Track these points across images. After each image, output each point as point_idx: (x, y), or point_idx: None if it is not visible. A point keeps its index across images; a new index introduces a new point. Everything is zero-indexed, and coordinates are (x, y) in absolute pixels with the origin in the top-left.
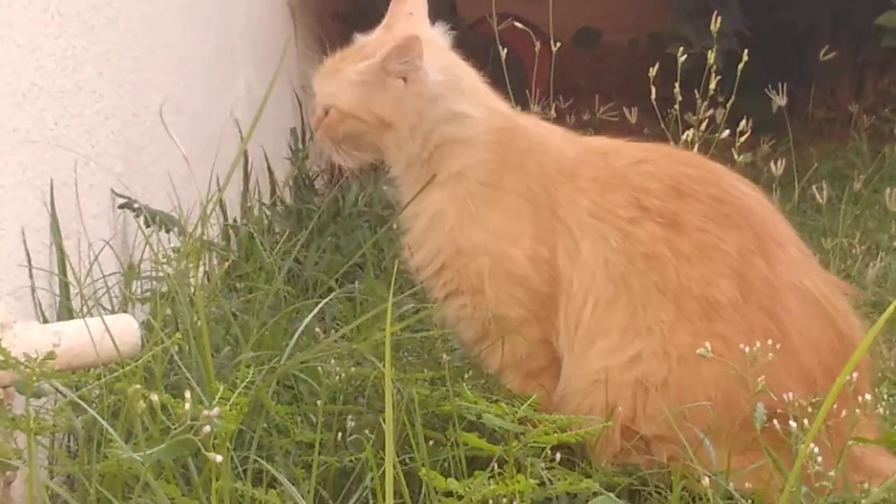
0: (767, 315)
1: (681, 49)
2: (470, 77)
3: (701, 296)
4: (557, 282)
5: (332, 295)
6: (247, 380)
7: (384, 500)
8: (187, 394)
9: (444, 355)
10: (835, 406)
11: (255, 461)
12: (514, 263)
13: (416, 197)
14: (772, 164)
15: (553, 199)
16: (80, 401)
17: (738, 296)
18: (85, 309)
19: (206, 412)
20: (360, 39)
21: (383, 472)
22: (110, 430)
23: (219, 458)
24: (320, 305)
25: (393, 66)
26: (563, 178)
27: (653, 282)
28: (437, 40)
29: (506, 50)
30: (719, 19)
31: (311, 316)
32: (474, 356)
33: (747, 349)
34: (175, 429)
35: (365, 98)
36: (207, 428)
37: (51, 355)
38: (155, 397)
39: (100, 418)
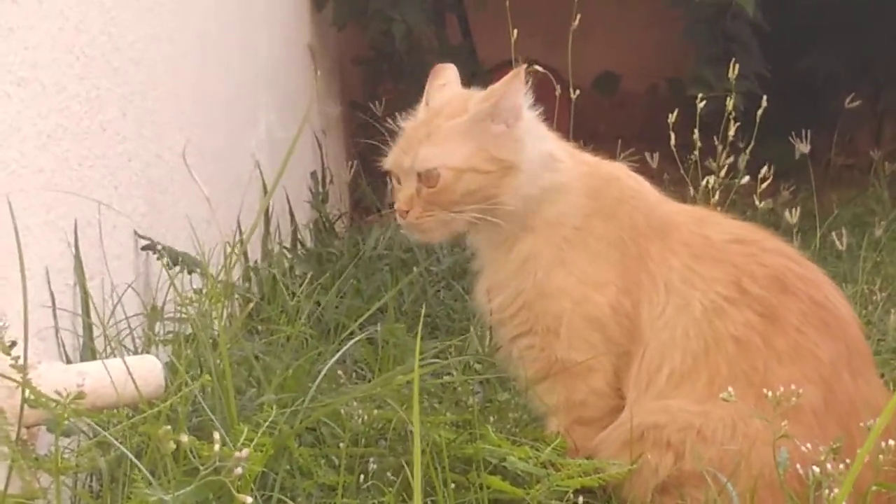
0: (843, 429)
1: (699, 96)
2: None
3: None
4: (635, 337)
5: (355, 340)
6: (269, 420)
7: None
8: (216, 435)
9: (470, 398)
10: (857, 451)
11: (280, 502)
12: (596, 308)
13: (506, 249)
14: (788, 211)
15: (643, 252)
16: (111, 439)
17: (821, 405)
18: (108, 350)
19: (236, 454)
20: (412, 117)
21: None
22: (143, 469)
23: (248, 499)
24: (343, 350)
25: (506, 105)
26: (654, 234)
27: (742, 370)
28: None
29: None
30: (737, 67)
31: (333, 360)
32: (528, 398)
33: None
34: (202, 470)
35: (481, 146)
36: (239, 470)
37: (80, 395)
38: (184, 439)
39: (131, 456)
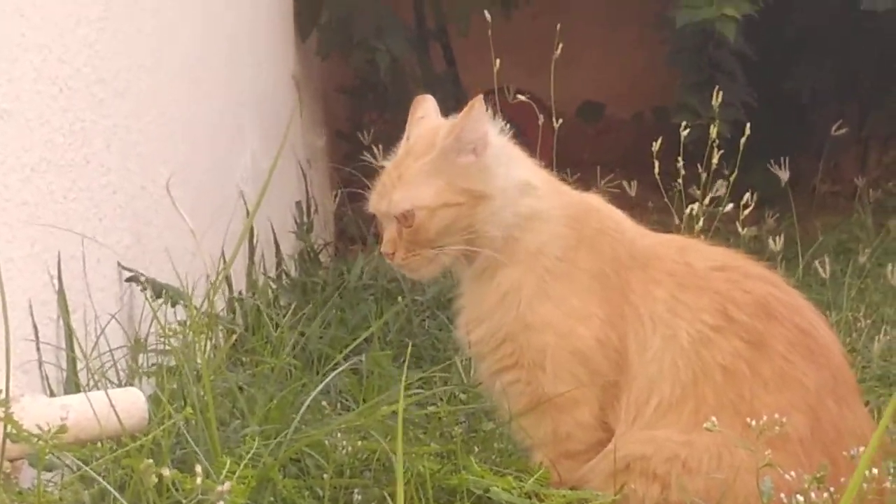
0: (828, 457)
1: (683, 124)
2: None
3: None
4: (623, 369)
5: (339, 370)
6: (251, 452)
7: None
8: (198, 468)
9: (455, 428)
10: (842, 480)
11: None
12: (581, 342)
13: (487, 278)
14: (772, 239)
15: (624, 284)
16: (93, 474)
17: (807, 433)
18: (91, 382)
19: (218, 488)
20: (391, 160)
21: None
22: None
23: None
24: (327, 381)
25: (470, 136)
26: (636, 265)
27: (729, 399)
28: None
29: (508, 123)
30: (721, 95)
31: (317, 390)
32: (512, 431)
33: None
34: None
35: (448, 180)
36: None
37: (63, 429)
38: (167, 472)
39: (114, 491)
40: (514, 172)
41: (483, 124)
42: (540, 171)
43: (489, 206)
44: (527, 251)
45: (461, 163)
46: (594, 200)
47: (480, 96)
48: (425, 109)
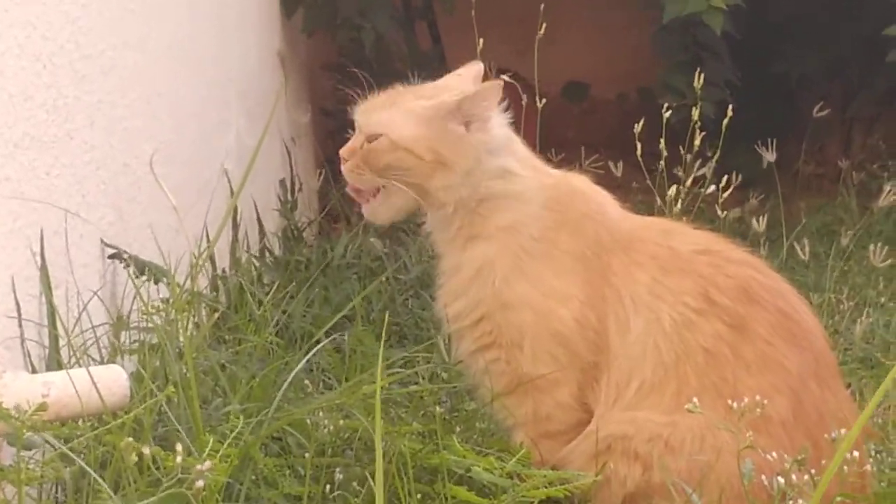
0: (810, 440)
1: (665, 106)
2: (519, 142)
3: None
4: (603, 350)
5: (320, 346)
6: (236, 432)
7: None
8: (178, 446)
9: (437, 408)
10: (823, 462)
11: None
12: (560, 323)
13: (459, 249)
14: (755, 220)
15: (605, 266)
16: (70, 453)
17: (790, 416)
18: (74, 359)
19: (198, 466)
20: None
21: None
22: (103, 483)
23: None
24: (307, 356)
25: (469, 110)
26: (618, 248)
27: (712, 382)
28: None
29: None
30: (703, 76)
31: (298, 367)
32: (493, 410)
33: (786, 463)
34: (166, 482)
35: (427, 134)
36: (200, 482)
37: (42, 407)
38: (147, 450)
39: (91, 472)
40: (496, 161)
41: (489, 108)
42: (531, 160)
43: (443, 177)
44: (497, 227)
45: (449, 127)
46: (580, 182)
47: (500, 82)
48: (467, 70)
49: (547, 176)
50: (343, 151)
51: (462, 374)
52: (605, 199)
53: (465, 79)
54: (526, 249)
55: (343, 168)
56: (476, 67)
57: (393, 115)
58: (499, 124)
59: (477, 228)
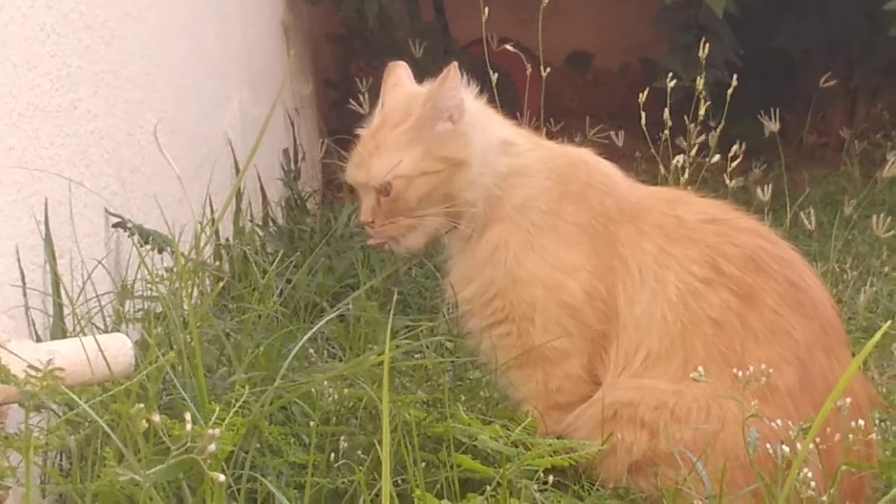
0: (817, 409)
1: (670, 75)
2: (495, 112)
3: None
4: (612, 320)
5: (328, 317)
6: (241, 400)
7: None
8: (187, 415)
9: (442, 377)
10: (828, 430)
11: (249, 481)
12: (569, 294)
13: (476, 238)
14: (759, 190)
15: (612, 237)
16: (90, 412)
17: (797, 385)
18: (78, 328)
19: (209, 432)
20: (367, 129)
21: (376, 494)
22: (118, 443)
23: (221, 477)
24: (315, 328)
25: (443, 104)
26: (624, 218)
27: (719, 351)
28: None
29: (497, 73)
30: (707, 46)
31: (305, 338)
32: (503, 385)
33: (791, 431)
34: (174, 449)
35: (427, 149)
36: (212, 447)
37: (52, 373)
38: (156, 418)
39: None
40: (492, 134)
41: (458, 91)
42: (518, 129)
43: (468, 173)
44: (512, 206)
45: (438, 130)
46: (583, 154)
47: (455, 64)
48: (398, 76)
49: (544, 147)
50: (364, 216)
51: (467, 344)
52: (609, 170)
53: (404, 85)
54: (535, 224)
55: (373, 231)
56: (400, 67)
57: (385, 156)
58: (470, 101)
59: (496, 212)
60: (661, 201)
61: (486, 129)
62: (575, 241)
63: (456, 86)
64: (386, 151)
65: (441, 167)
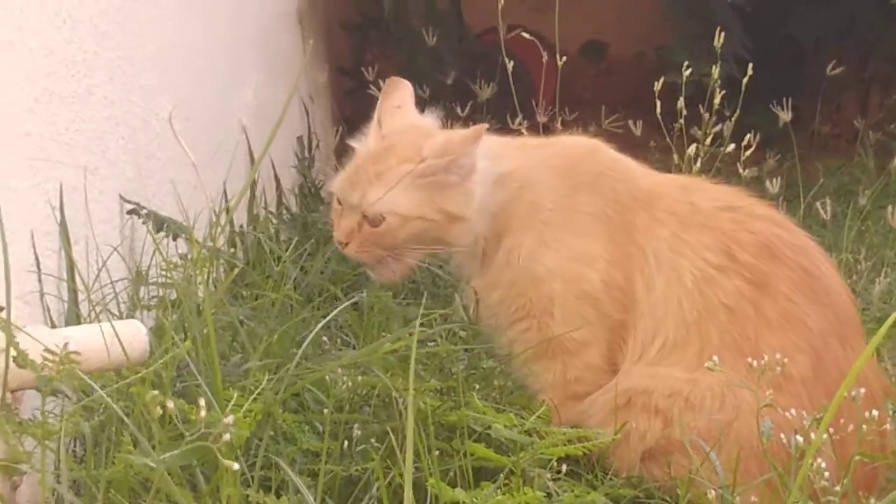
0: (831, 398)
1: (685, 64)
2: (489, 139)
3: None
4: (630, 309)
5: (343, 305)
6: (260, 388)
7: None
8: (202, 401)
9: (454, 366)
10: (842, 421)
11: (265, 468)
12: (588, 284)
13: (491, 252)
14: (769, 181)
15: (628, 224)
16: (106, 398)
17: (811, 374)
18: (93, 314)
19: (224, 419)
20: (364, 142)
21: (390, 482)
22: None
23: (235, 465)
24: (330, 316)
25: (462, 162)
26: (638, 205)
27: (733, 339)
28: (434, 126)
29: (511, 62)
30: (723, 35)
31: (319, 326)
32: (523, 376)
33: (805, 421)
34: (189, 435)
35: (430, 198)
36: (227, 435)
37: (69, 357)
38: (171, 404)
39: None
40: (493, 172)
41: (475, 154)
42: (516, 145)
43: (463, 227)
44: (519, 218)
45: (446, 183)
46: (591, 143)
47: (485, 126)
48: (401, 98)
49: (545, 149)
50: (340, 235)
51: (480, 333)
52: (620, 158)
53: (407, 108)
54: (545, 222)
55: (346, 251)
56: (403, 87)
57: (385, 189)
58: (481, 155)
59: (506, 225)
60: (674, 188)
61: (486, 183)
62: (590, 231)
63: (477, 147)
64: (387, 184)
65: (438, 218)
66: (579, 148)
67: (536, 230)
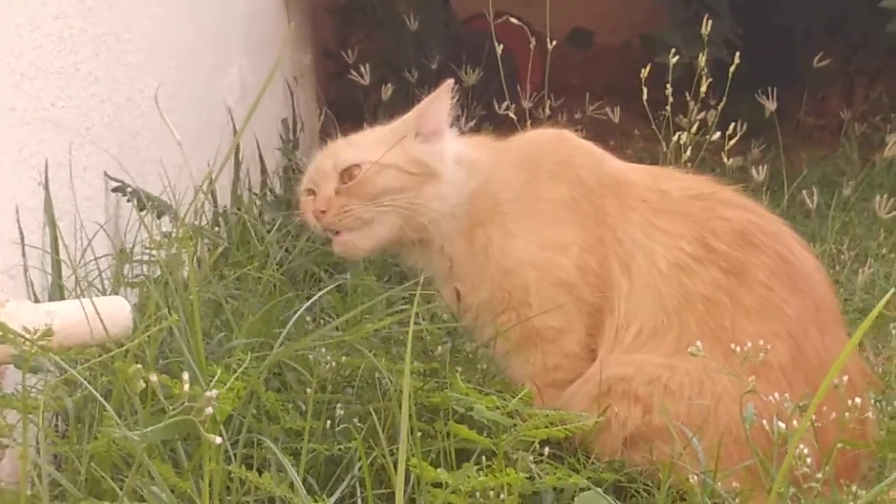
0: (810, 386)
1: (672, 51)
2: (454, 132)
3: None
4: (607, 292)
5: (327, 289)
6: (244, 365)
7: (373, 488)
8: (185, 375)
9: (439, 348)
10: (825, 408)
11: (248, 446)
12: (562, 271)
13: (465, 245)
14: (755, 170)
15: (599, 209)
16: (79, 378)
17: (789, 362)
18: (77, 290)
19: (207, 393)
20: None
21: (372, 461)
22: (109, 409)
23: (218, 439)
24: (314, 298)
25: (432, 119)
26: (607, 191)
27: (710, 327)
28: None
29: (501, 46)
30: (710, 23)
31: (304, 307)
32: (505, 368)
33: (786, 405)
34: (171, 410)
35: (404, 149)
36: (209, 410)
37: (49, 331)
38: (154, 378)
39: (99, 397)
40: (462, 156)
41: (444, 115)
42: (478, 139)
43: (438, 188)
44: (485, 211)
45: (418, 139)
46: (554, 134)
47: (451, 81)
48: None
49: (509, 144)
50: (318, 203)
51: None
52: (586, 146)
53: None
54: (506, 212)
55: (325, 219)
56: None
57: (358, 147)
58: (447, 126)
59: (473, 218)
60: (644, 176)
61: (456, 152)
62: (559, 219)
63: (447, 107)
64: (360, 143)
65: (415, 170)
66: (542, 138)
67: (499, 221)
